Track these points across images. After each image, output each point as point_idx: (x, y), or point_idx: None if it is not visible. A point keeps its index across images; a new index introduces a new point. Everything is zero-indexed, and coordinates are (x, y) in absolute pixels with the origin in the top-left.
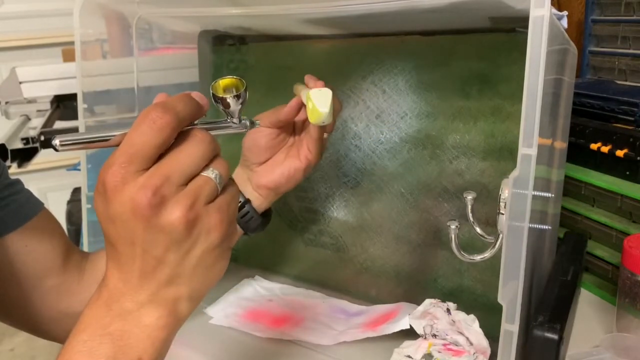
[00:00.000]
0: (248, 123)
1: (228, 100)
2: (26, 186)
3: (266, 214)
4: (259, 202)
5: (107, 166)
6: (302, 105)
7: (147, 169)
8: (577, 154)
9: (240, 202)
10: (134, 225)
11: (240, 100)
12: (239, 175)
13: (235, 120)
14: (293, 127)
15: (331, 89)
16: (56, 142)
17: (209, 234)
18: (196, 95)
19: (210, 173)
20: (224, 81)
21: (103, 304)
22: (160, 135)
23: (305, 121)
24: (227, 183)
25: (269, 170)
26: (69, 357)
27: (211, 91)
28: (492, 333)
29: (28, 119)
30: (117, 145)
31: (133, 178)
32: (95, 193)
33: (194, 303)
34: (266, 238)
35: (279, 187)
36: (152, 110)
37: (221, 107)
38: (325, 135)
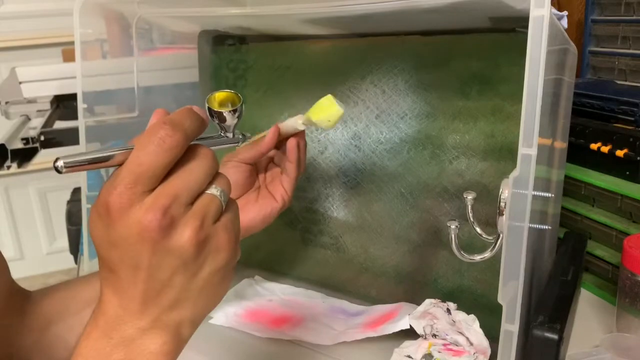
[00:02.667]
0: (240, 137)
1: (225, 114)
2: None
3: None
4: None
5: (111, 187)
6: (278, 135)
7: (154, 189)
8: (577, 154)
9: None
10: (140, 248)
11: (237, 115)
12: None
13: (229, 134)
14: (265, 166)
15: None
16: (59, 163)
17: (218, 254)
18: (198, 110)
19: (215, 190)
20: (220, 95)
21: (102, 334)
22: (169, 155)
23: (283, 160)
24: (228, 200)
25: (242, 209)
26: None
27: (206, 105)
28: (492, 333)
29: (28, 119)
30: (120, 164)
31: (140, 199)
32: (94, 216)
33: (196, 326)
34: (266, 238)
35: (252, 228)
36: (160, 128)
37: (216, 121)
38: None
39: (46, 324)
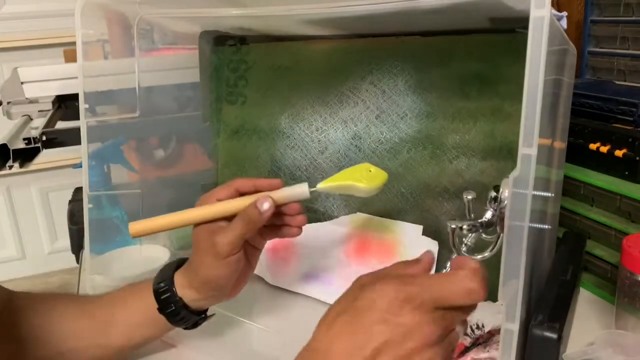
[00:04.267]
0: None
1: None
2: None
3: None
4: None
5: (409, 284)
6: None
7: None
8: (577, 154)
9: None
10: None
11: None
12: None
13: None
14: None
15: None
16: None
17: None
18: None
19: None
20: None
21: None
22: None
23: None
24: None
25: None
26: None
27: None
28: None
29: (30, 119)
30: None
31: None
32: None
33: None
34: None
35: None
36: (471, 282)
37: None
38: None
39: (36, 339)
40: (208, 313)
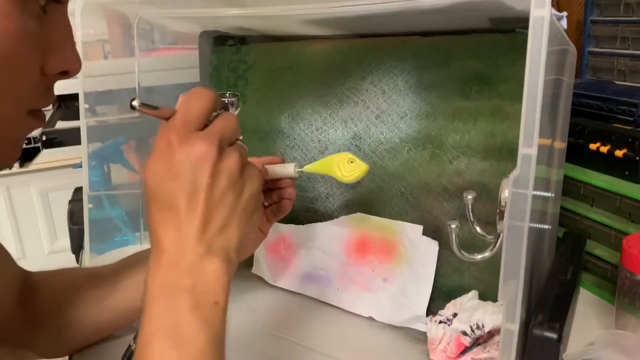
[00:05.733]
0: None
1: (227, 103)
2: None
3: None
4: None
5: (167, 128)
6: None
7: (201, 130)
8: (576, 154)
9: None
10: (200, 171)
11: (234, 108)
12: None
13: None
14: None
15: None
16: (135, 103)
17: (252, 181)
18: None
19: (241, 142)
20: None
21: (167, 267)
22: (212, 103)
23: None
24: None
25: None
26: (154, 316)
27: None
28: None
29: None
30: (167, 118)
31: (195, 134)
32: (155, 157)
33: (239, 253)
34: None
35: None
36: (198, 88)
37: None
38: None
39: (55, 309)
40: None
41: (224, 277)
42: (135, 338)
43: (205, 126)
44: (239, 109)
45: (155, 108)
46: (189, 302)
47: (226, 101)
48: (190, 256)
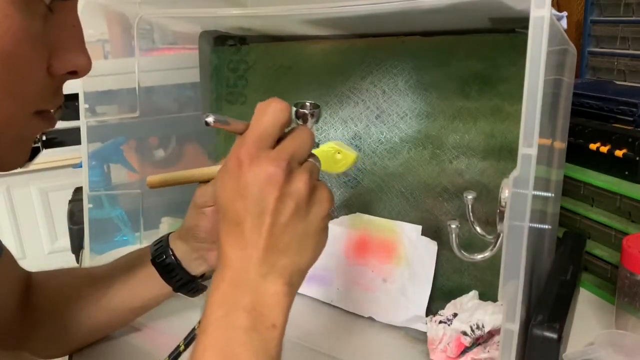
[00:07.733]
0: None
1: (307, 114)
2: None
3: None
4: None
5: (240, 146)
6: None
7: (273, 148)
8: (576, 154)
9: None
10: (267, 193)
11: (315, 119)
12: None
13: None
14: None
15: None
16: (210, 119)
17: (321, 204)
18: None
19: (314, 160)
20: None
21: (229, 284)
22: (283, 118)
23: None
24: None
25: None
26: (211, 331)
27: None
28: None
29: None
30: (241, 132)
31: (266, 153)
32: (224, 174)
33: (303, 275)
34: None
35: None
36: (272, 101)
37: (300, 122)
38: None
39: (53, 310)
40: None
41: (284, 300)
42: (186, 338)
43: (279, 139)
44: (319, 120)
45: (227, 123)
46: (245, 322)
47: (306, 112)
48: (252, 276)
